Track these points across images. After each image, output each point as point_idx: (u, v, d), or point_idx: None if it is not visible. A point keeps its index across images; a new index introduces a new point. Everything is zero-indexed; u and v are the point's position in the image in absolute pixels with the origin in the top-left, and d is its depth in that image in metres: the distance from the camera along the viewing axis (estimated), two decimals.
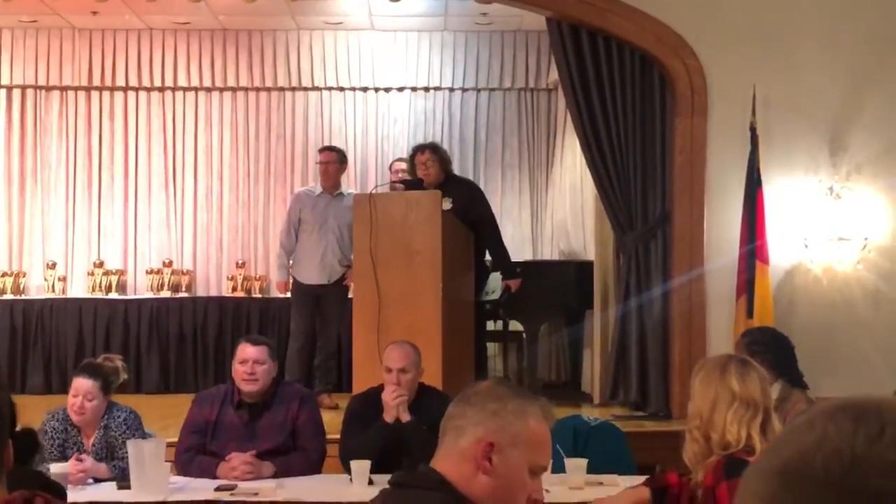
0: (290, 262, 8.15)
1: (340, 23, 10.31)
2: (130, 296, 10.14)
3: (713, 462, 3.20)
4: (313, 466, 4.85)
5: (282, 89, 10.74)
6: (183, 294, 10.17)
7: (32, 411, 5.63)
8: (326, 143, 9.55)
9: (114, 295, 10.02)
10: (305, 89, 10.73)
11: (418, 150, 7.69)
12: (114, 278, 10.21)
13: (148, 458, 4.27)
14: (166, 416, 6.87)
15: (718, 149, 7.00)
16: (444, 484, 2.18)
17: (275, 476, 4.65)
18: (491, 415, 2.19)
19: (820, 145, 6.97)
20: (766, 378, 3.39)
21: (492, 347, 9.18)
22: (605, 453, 4.97)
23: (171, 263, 10.35)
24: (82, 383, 4.76)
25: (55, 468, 4.33)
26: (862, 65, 6.97)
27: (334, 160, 8.18)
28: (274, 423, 4.83)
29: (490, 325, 8.64)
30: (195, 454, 4.74)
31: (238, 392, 4.85)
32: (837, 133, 6.97)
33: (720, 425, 3.22)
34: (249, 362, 4.80)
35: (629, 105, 7.15)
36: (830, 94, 6.97)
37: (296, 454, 4.80)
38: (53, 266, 10.23)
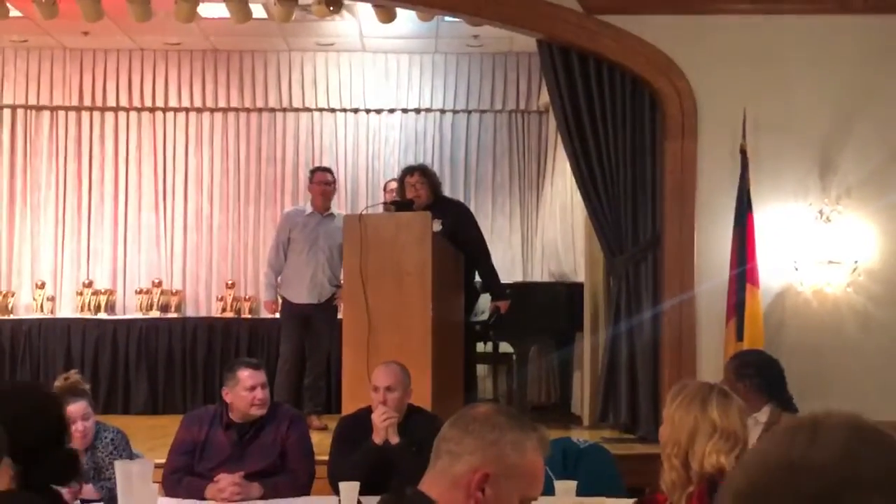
0: (278, 281, 8.14)
1: (332, 44, 10.33)
2: (119, 316, 10.12)
3: (697, 489, 3.18)
4: (302, 488, 4.83)
5: (273, 110, 10.76)
6: (172, 314, 10.15)
7: None
8: (318, 164, 9.55)
9: (103, 315, 10.00)
10: (296, 110, 10.76)
11: (408, 171, 7.70)
12: (103, 298, 10.19)
13: (135, 479, 4.24)
14: (154, 436, 6.84)
15: (709, 171, 7.01)
16: None
17: (263, 497, 4.62)
18: (489, 445, 2.18)
19: (810, 168, 6.99)
20: (745, 410, 3.37)
21: (482, 369, 9.17)
22: (595, 475, 4.95)
23: (160, 283, 10.34)
24: (76, 408, 4.73)
25: None
26: (851, 88, 6.99)
27: (332, 181, 8.23)
28: (263, 445, 4.80)
29: (480, 347, 8.64)
30: (183, 475, 4.70)
31: (228, 413, 4.82)
32: (827, 156, 6.99)
33: (700, 455, 3.18)
34: (259, 387, 4.78)
35: (619, 127, 7.15)
36: (820, 116, 6.99)
37: (284, 475, 4.77)
38: (42, 286, 10.20)
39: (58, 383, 4.92)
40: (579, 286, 8.27)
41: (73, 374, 5.01)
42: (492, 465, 2.16)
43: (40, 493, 2.65)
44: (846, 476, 0.90)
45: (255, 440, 4.80)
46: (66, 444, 2.88)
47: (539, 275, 10.32)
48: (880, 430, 0.96)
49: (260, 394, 4.77)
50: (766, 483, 0.91)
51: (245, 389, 4.78)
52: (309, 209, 8.17)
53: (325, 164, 9.80)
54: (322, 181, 8.16)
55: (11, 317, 9.88)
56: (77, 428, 4.67)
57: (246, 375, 4.78)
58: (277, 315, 8.43)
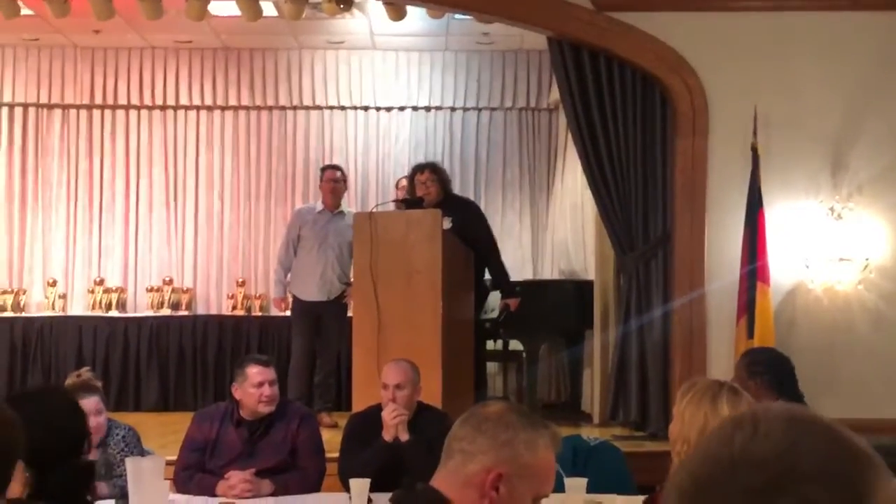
0: (288, 278, 8.16)
1: (342, 42, 10.33)
2: (130, 313, 10.15)
3: None
4: (312, 485, 4.83)
5: (283, 108, 10.76)
6: (183, 312, 10.17)
7: None
8: (328, 162, 9.57)
9: (114, 313, 10.02)
10: (307, 108, 10.76)
11: (418, 169, 7.71)
12: (114, 296, 10.21)
13: (147, 475, 4.25)
14: (165, 433, 6.86)
15: (719, 168, 7.00)
16: (444, 503, 2.17)
17: (273, 494, 4.63)
18: (502, 445, 2.19)
19: (821, 165, 6.97)
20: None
21: (492, 366, 9.17)
22: (605, 473, 4.94)
23: (171, 281, 10.36)
24: (88, 403, 4.74)
25: None
26: (863, 85, 6.97)
27: (341, 178, 8.24)
28: (274, 442, 4.81)
29: (490, 345, 8.64)
30: (194, 472, 4.71)
31: (239, 410, 4.83)
32: (838, 153, 6.97)
33: None
34: (266, 384, 4.79)
35: (630, 125, 7.15)
36: (831, 114, 6.97)
37: (295, 472, 4.78)
38: (54, 284, 10.23)
39: (69, 380, 4.94)
40: (589, 284, 8.26)
41: (85, 372, 5.03)
42: (505, 464, 2.18)
43: (53, 502, 2.63)
44: (786, 468, 0.90)
45: (266, 437, 4.80)
46: (85, 454, 2.85)
47: (549, 272, 10.31)
48: (820, 419, 0.96)
49: (268, 390, 4.77)
50: (708, 480, 0.92)
51: (253, 386, 4.78)
52: (319, 207, 8.18)
53: (336, 161, 9.81)
54: (331, 178, 8.18)
55: (23, 314, 9.92)
56: (90, 424, 4.69)
57: (254, 372, 4.79)
58: (288, 312, 8.44)
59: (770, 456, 0.91)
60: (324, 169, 8.50)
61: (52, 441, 2.64)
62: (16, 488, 2.47)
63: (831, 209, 6.89)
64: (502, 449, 2.19)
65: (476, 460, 2.19)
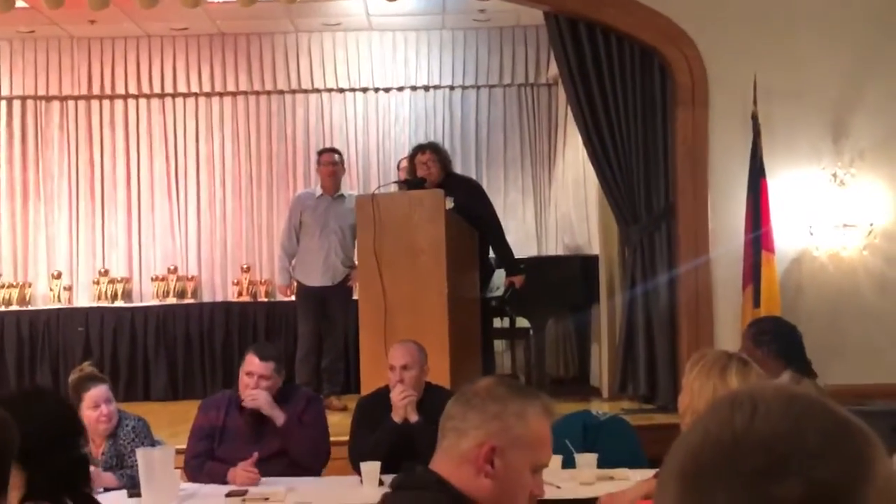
0: (292, 264, 8.16)
1: (338, 24, 10.30)
2: (136, 303, 10.15)
3: None
4: (319, 459, 4.88)
5: (282, 92, 10.73)
6: (189, 300, 10.17)
7: None
8: (328, 145, 9.56)
9: (119, 303, 10.03)
10: (305, 91, 10.73)
11: (419, 149, 7.70)
12: (119, 286, 10.21)
13: (158, 465, 4.27)
14: (175, 422, 6.87)
15: (721, 138, 6.98)
16: (441, 484, 2.18)
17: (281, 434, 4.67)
18: (492, 417, 2.18)
19: (822, 132, 6.95)
20: (764, 378, 3.36)
21: (499, 344, 9.17)
22: (616, 448, 4.96)
23: (175, 270, 10.36)
24: (99, 391, 4.77)
25: None
26: (863, 51, 6.94)
27: (338, 161, 8.21)
28: (280, 426, 4.82)
29: (497, 323, 8.64)
30: (204, 460, 4.73)
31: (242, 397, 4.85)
32: (840, 120, 6.95)
33: None
34: (255, 377, 4.80)
35: (630, 97, 7.12)
36: (832, 80, 6.94)
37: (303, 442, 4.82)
38: (59, 276, 10.23)
39: (73, 376, 4.96)
40: (594, 258, 8.25)
41: (87, 366, 5.05)
42: (497, 437, 2.17)
43: (47, 501, 2.60)
44: (792, 448, 0.90)
45: (272, 422, 4.82)
46: (80, 448, 2.83)
47: (553, 248, 10.31)
48: (816, 398, 0.96)
49: (254, 383, 4.78)
50: (711, 460, 0.91)
51: (244, 372, 4.82)
52: (319, 191, 8.17)
53: (336, 144, 9.79)
54: (329, 162, 8.16)
55: (29, 307, 9.92)
56: (102, 411, 4.71)
57: (248, 360, 4.83)
58: (293, 298, 8.45)
59: (774, 436, 0.91)
60: (321, 153, 8.48)
61: (40, 437, 2.62)
62: (14, 494, 2.45)
63: (834, 175, 6.87)
64: (492, 422, 2.18)
65: (468, 436, 2.18)
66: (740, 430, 0.92)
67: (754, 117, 6.67)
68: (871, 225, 6.86)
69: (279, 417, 4.78)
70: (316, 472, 4.90)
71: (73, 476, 2.73)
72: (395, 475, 3.52)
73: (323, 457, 4.96)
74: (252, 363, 4.82)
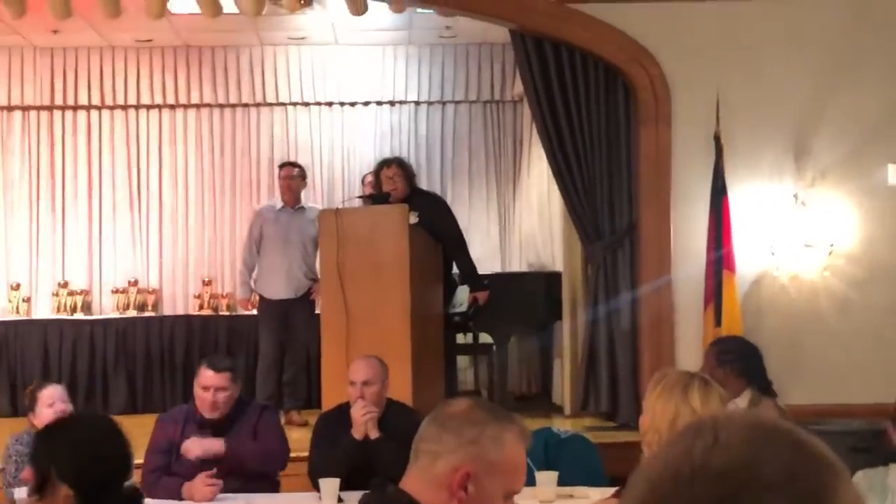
0: (253, 278, 8.11)
1: (304, 38, 10.27)
2: (96, 316, 10.05)
3: None
4: (276, 464, 4.87)
5: (246, 105, 10.69)
6: (149, 313, 10.09)
7: None
8: (292, 159, 9.53)
9: (79, 315, 9.93)
10: (270, 105, 10.70)
11: (384, 164, 7.67)
12: (79, 298, 10.12)
13: None
14: (134, 436, 6.73)
15: (684, 157, 7.01)
16: None
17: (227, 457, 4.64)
18: (468, 442, 2.16)
19: (785, 152, 6.99)
20: (726, 398, 3.37)
21: (462, 360, 9.16)
22: (576, 466, 4.94)
23: (136, 282, 10.28)
24: (55, 390, 4.80)
25: (19, 493, 4.26)
26: (824, 71, 7.00)
27: (297, 175, 8.18)
28: (238, 439, 4.79)
29: (460, 338, 8.62)
30: (161, 475, 4.68)
31: (200, 412, 4.81)
32: (802, 139, 7.00)
33: None
34: (211, 390, 4.76)
35: (594, 115, 7.15)
36: (794, 100, 6.99)
37: (258, 449, 4.79)
38: (17, 287, 10.12)
39: (31, 388, 4.95)
40: (558, 275, 8.26)
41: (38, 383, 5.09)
42: (473, 462, 2.14)
43: None
44: (746, 478, 0.88)
45: (229, 436, 4.78)
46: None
47: (517, 265, 10.31)
48: (782, 425, 0.94)
49: (210, 397, 4.74)
50: (669, 490, 0.90)
51: (200, 387, 4.78)
52: (279, 204, 8.14)
53: (300, 158, 9.77)
54: (287, 176, 8.15)
55: None
56: (57, 409, 4.69)
57: (203, 374, 4.79)
58: (255, 311, 8.40)
59: (730, 467, 0.89)
60: (281, 166, 8.49)
61: (98, 468, 2.65)
62: None
63: (795, 196, 6.91)
64: (469, 447, 2.15)
65: (443, 460, 2.16)
66: (699, 458, 0.90)
67: (717, 136, 6.71)
68: (832, 245, 6.91)
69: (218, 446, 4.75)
70: (274, 475, 4.88)
71: None
72: (355, 491, 3.49)
73: (281, 459, 4.93)
74: (206, 376, 4.77)
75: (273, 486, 4.95)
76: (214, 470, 4.56)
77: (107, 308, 10.26)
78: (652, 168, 7.06)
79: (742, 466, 0.88)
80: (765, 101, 6.98)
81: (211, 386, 4.75)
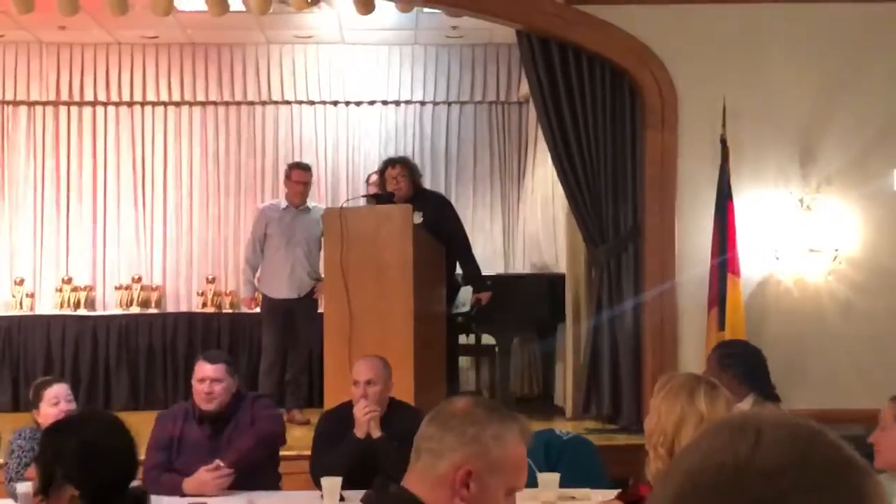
0: (256, 277, 8.10)
1: (310, 37, 10.27)
2: (99, 312, 10.06)
3: None
4: (270, 444, 4.89)
5: (252, 103, 10.69)
6: (152, 310, 10.10)
7: (0, 428, 5.58)
8: (297, 158, 9.53)
9: (82, 311, 9.94)
10: (276, 103, 10.70)
11: (389, 163, 7.68)
12: (82, 294, 10.12)
13: None
14: (136, 432, 6.76)
15: (689, 160, 7.01)
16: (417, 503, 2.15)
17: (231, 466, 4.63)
18: (470, 441, 2.16)
19: (790, 157, 6.99)
20: (732, 401, 3.37)
21: (464, 361, 9.16)
22: (578, 467, 4.94)
23: (140, 279, 10.28)
24: (60, 388, 4.79)
25: (21, 488, 4.26)
26: (831, 76, 7.00)
27: (310, 180, 8.15)
28: (238, 434, 4.80)
29: (462, 339, 8.62)
30: (161, 472, 4.69)
31: (198, 407, 4.82)
32: (808, 144, 7.00)
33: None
34: (207, 381, 4.78)
35: (600, 118, 7.15)
36: (800, 105, 6.99)
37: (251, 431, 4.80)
38: (21, 282, 10.12)
39: (36, 382, 4.96)
40: (561, 277, 8.25)
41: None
42: (474, 461, 2.15)
43: None
44: (796, 479, 0.89)
45: (229, 432, 4.80)
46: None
47: (521, 266, 10.30)
48: (817, 428, 0.96)
49: (206, 387, 4.76)
50: (711, 486, 0.90)
51: (196, 380, 4.81)
52: (284, 204, 8.11)
53: (305, 157, 9.76)
54: (301, 181, 8.04)
55: None
56: (61, 409, 4.70)
57: (198, 367, 4.83)
58: (258, 310, 8.39)
59: (780, 466, 0.90)
60: (293, 167, 8.28)
61: (104, 469, 2.65)
62: None
63: (801, 200, 6.91)
64: (470, 445, 2.16)
65: (445, 458, 2.16)
66: (743, 457, 0.91)
67: (723, 140, 6.71)
68: (837, 251, 6.91)
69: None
70: (275, 455, 4.91)
71: None
72: (358, 490, 3.49)
73: (278, 434, 4.94)
74: (203, 369, 4.80)
75: (275, 481, 4.95)
76: (218, 461, 4.57)
77: (110, 304, 10.26)
78: (657, 171, 7.05)
79: (791, 467, 0.90)
80: (771, 106, 6.98)
81: (206, 377, 4.78)
